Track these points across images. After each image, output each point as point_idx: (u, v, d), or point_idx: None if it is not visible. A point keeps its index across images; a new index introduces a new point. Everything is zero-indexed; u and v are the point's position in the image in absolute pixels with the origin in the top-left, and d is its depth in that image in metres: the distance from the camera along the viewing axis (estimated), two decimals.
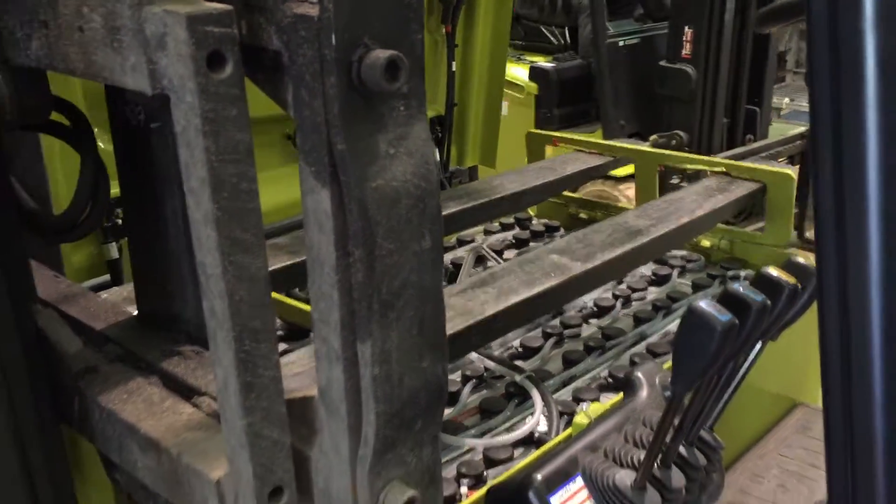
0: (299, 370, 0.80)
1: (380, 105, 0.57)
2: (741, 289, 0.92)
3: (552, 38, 4.76)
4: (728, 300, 0.91)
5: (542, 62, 4.40)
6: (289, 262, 1.38)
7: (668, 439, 1.02)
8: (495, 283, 1.30)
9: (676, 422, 1.02)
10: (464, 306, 1.22)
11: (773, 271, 0.95)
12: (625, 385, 1.23)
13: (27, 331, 0.78)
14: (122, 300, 1.21)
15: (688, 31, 3.23)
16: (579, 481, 1.04)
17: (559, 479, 1.02)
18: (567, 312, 1.68)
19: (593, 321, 1.66)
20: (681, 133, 3.26)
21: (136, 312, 0.92)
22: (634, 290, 1.76)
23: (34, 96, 0.71)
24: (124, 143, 0.84)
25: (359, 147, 0.56)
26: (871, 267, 0.69)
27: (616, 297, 1.73)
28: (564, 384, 1.44)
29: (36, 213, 0.85)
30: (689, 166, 1.94)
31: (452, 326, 1.16)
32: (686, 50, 3.25)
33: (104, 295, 1.27)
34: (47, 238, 0.86)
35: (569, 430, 1.17)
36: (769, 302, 0.93)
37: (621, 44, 3.93)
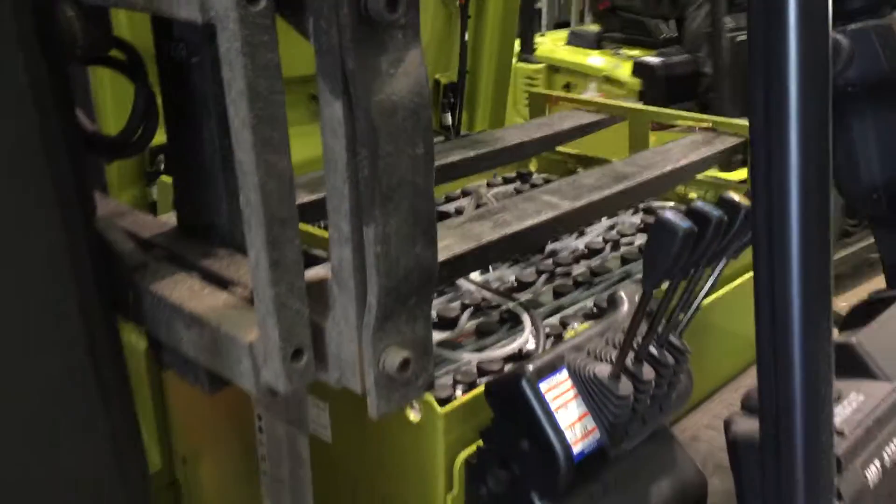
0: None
1: (382, 33, 0.72)
2: (702, 204, 1.07)
3: (655, 31, 4.53)
4: (691, 213, 1.05)
5: (647, 57, 4.14)
6: (307, 200, 1.53)
7: (640, 339, 1.17)
8: (492, 218, 1.45)
9: (648, 324, 1.17)
10: (463, 235, 1.37)
11: (734, 195, 1.10)
12: (609, 303, 1.39)
13: (91, 235, 0.93)
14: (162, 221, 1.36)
15: None
16: (565, 373, 1.19)
17: (547, 370, 1.17)
18: (560, 253, 1.82)
19: (584, 262, 1.80)
20: None
21: (176, 225, 1.08)
22: (623, 236, 1.90)
23: (100, 32, 0.86)
24: (169, 76, 0.99)
25: (365, 67, 0.71)
26: (791, 201, 0.84)
27: (606, 241, 1.88)
28: (553, 312, 1.59)
29: (95, 134, 1.00)
30: (679, 122, 2.08)
31: (452, 251, 1.31)
32: None
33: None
34: (105, 154, 1.02)
35: None
36: (726, 218, 1.07)
37: (739, 39, 3.67)
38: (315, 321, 0.84)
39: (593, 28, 5.30)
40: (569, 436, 1.18)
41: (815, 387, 0.87)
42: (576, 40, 5.07)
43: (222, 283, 0.94)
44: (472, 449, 1.28)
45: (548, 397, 1.19)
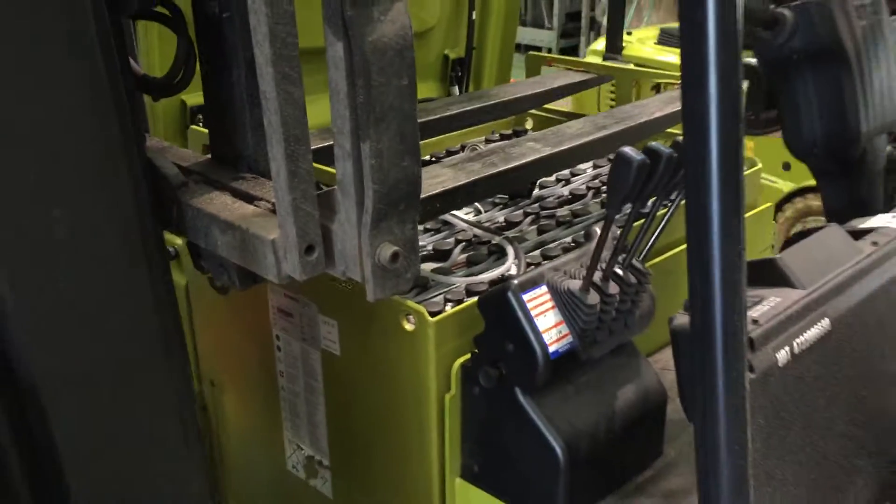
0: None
1: None
2: (655, 144, 1.27)
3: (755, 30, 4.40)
4: (646, 151, 1.26)
5: (745, 58, 4.07)
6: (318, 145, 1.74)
7: (607, 261, 1.38)
8: (481, 160, 1.65)
9: (613, 248, 1.37)
10: (456, 173, 1.58)
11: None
12: (585, 236, 1.59)
13: (143, 160, 1.14)
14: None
15: None
16: (544, 288, 1.40)
17: (529, 285, 1.38)
18: (546, 199, 2.02)
19: (567, 206, 2.00)
20: None
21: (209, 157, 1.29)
22: (605, 185, 2.10)
23: None
24: (204, 29, 1.19)
25: (361, 15, 0.91)
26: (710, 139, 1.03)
27: (589, 188, 2.08)
28: (536, 247, 1.79)
29: (144, 76, 1.21)
30: (661, 81, 2.26)
31: (446, 185, 1.52)
32: None
33: None
34: (153, 93, 1.23)
35: None
36: (675, 156, 1.27)
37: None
38: (324, 224, 1.05)
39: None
40: (546, 338, 1.39)
41: (730, 281, 1.07)
42: (667, 39, 4.75)
43: (249, 198, 1.16)
44: (466, 357, 1.49)
45: (529, 307, 1.39)
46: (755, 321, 1.19)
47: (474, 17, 2.78)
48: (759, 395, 1.15)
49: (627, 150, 1.25)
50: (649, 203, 1.38)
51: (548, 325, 1.40)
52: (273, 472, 1.93)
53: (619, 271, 1.42)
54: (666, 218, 1.42)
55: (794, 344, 1.22)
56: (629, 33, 4.82)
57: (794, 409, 1.23)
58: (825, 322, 1.31)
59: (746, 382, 1.09)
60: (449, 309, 1.52)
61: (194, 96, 2.05)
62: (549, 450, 1.40)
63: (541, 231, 1.85)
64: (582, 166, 2.23)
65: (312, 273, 1.05)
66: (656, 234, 1.44)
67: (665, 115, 1.98)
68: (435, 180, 1.56)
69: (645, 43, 4.78)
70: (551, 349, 1.38)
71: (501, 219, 1.91)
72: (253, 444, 2.01)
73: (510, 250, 1.71)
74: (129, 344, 1.12)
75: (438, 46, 2.82)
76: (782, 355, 1.19)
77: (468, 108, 2.07)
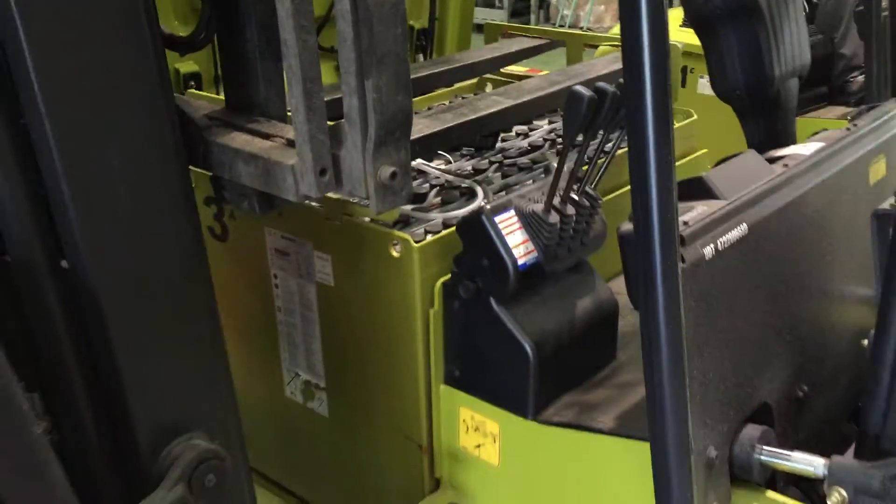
0: None
1: None
2: (603, 84, 1.52)
3: None
4: (594, 89, 1.51)
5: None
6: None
7: (565, 187, 1.62)
8: (452, 111, 1.90)
9: (569, 177, 1.62)
10: (430, 123, 1.82)
11: None
12: (545, 170, 1.84)
13: (172, 106, 1.36)
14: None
15: None
16: (512, 212, 1.64)
17: (500, 209, 1.62)
18: (508, 150, 2.27)
19: (527, 155, 2.25)
20: None
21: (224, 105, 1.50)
22: (560, 136, 2.36)
23: None
24: None
25: None
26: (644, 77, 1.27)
27: (546, 140, 2.33)
28: (501, 189, 2.04)
29: (171, 35, 1.41)
30: (608, 44, 2.52)
31: (423, 132, 1.75)
32: None
33: None
34: (179, 49, 1.44)
35: None
36: (618, 93, 1.52)
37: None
38: (334, 152, 1.28)
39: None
40: (515, 253, 1.63)
41: (663, 190, 1.33)
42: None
43: (265, 136, 1.38)
44: (447, 277, 1.74)
45: (500, 227, 1.64)
46: (686, 223, 1.45)
47: None
48: (690, 282, 1.40)
49: (579, 88, 1.50)
50: (599, 138, 1.64)
51: (516, 242, 1.64)
52: (273, 400, 2.16)
53: (575, 196, 1.68)
54: (613, 149, 1.68)
55: (718, 242, 1.48)
56: None
57: (719, 295, 1.50)
58: (743, 227, 1.57)
59: (679, 271, 1.35)
60: (429, 238, 1.76)
61: (187, 64, 2.24)
62: (520, 350, 1.66)
63: (504, 176, 2.10)
64: (538, 122, 2.48)
65: (325, 192, 1.28)
66: (605, 164, 1.69)
67: (610, 71, 2.23)
68: (413, 128, 1.79)
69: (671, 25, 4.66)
70: (520, 262, 1.63)
71: (469, 167, 2.15)
72: (253, 377, 2.22)
73: (479, 190, 1.96)
74: (169, 259, 1.34)
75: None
76: (708, 251, 1.45)
77: (435, 71, 2.30)
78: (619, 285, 2.09)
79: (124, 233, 1.26)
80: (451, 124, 1.80)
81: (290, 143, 1.32)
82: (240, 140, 1.37)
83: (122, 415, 1.35)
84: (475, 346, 1.74)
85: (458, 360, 1.78)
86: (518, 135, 2.39)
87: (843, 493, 1.42)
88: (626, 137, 1.41)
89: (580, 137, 1.58)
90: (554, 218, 1.62)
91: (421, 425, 1.84)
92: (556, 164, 1.81)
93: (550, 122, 2.49)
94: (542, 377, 1.67)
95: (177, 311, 1.36)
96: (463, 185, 2.01)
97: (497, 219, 1.62)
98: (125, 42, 1.19)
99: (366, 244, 1.77)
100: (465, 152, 2.28)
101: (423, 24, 3.03)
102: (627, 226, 1.41)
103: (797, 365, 1.71)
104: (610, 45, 2.48)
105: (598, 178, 1.71)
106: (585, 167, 1.67)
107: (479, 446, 1.82)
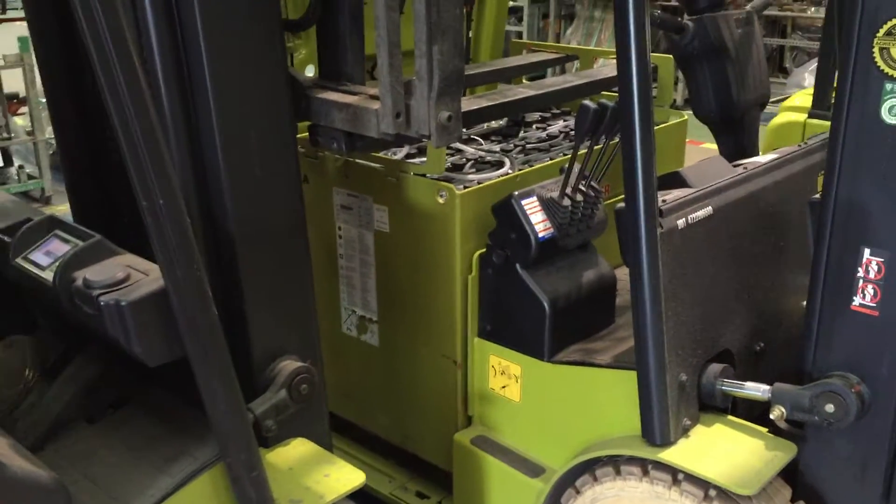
0: None
1: None
2: (605, 101, 2.00)
3: None
4: (598, 104, 1.98)
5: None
6: None
7: (574, 182, 2.09)
8: (487, 97, 2.37)
9: (579, 172, 2.09)
10: (468, 104, 2.29)
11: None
12: (560, 170, 2.30)
13: (286, 72, 1.83)
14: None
15: None
16: (534, 197, 2.12)
17: (525, 195, 2.11)
18: (529, 139, 2.74)
19: (545, 142, 2.72)
20: None
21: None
22: (572, 130, 2.83)
23: None
24: None
25: None
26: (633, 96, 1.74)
27: (560, 132, 2.80)
28: (524, 163, 2.51)
29: (286, 18, 1.90)
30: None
31: (471, 107, 2.22)
32: None
33: None
34: (292, 29, 1.92)
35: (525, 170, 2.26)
36: (617, 107, 1.98)
37: None
38: (406, 101, 1.74)
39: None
40: (536, 228, 2.10)
41: (647, 177, 1.77)
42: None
43: (352, 93, 1.85)
44: (482, 250, 2.21)
45: (525, 208, 2.12)
46: (664, 201, 1.92)
47: (471, 34, 3.44)
48: (666, 245, 1.85)
49: (587, 102, 1.99)
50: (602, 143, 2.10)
51: (537, 220, 2.13)
52: (332, 335, 2.60)
53: (583, 188, 2.15)
54: (614, 151, 2.14)
55: (688, 218, 1.95)
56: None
57: (689, 258, 1.95)
58: (709, 209, 2.03)
59: (658, 236, 1.83)
60: (468, 189, 2.22)
61: None
62: (539, 305, 2.13)
63: (526, 154, 2.57)
64: (553, 121, 2.96)
65: (398, 130, 1.73)
66: (608, 162, 2.16)
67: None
68: (464, 106, 2.26)
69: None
70: (540, 235, 2.11)
71: (497, 149, 2.63)
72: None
73: (507, 160, 2.43)
74: (284, 209, 1.79)
75: None
76: (681, 223, 1.93)
77: (475, 72, 2.78)
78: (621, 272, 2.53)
79: (253, 186, 1.71)
80: (485, 105, 2.28)
81: (373, 98, 1.79)
82: (334, 96, 1.84)
83: (244, 337, 1.79)
84: (503, 304, 2.21)
85: (489, 317, 2.26)
86: (537, 128, 2.87)
87: (783, 409, 1.85)
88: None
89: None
90: (566, 202, 2.11)
91: (456, 344, 2.28)
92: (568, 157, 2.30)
93: (565, 120, 2.97)
94: (556, 328, 2.14)
95: (285, 256, 1.83)
96: (493, 160, 2.48)
97: (523, 202, 2.11)
98: (263, 26, 1.67)
99: (417, 194, 2.23)
100: (493, 139, 2.76)
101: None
102: (622, 205, 1.87)
103: (755, 323, 2.15)
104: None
105: (602, 174, 2.17)
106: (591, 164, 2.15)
107: (504, 387, 2.27)
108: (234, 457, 1.59)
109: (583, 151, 2.09)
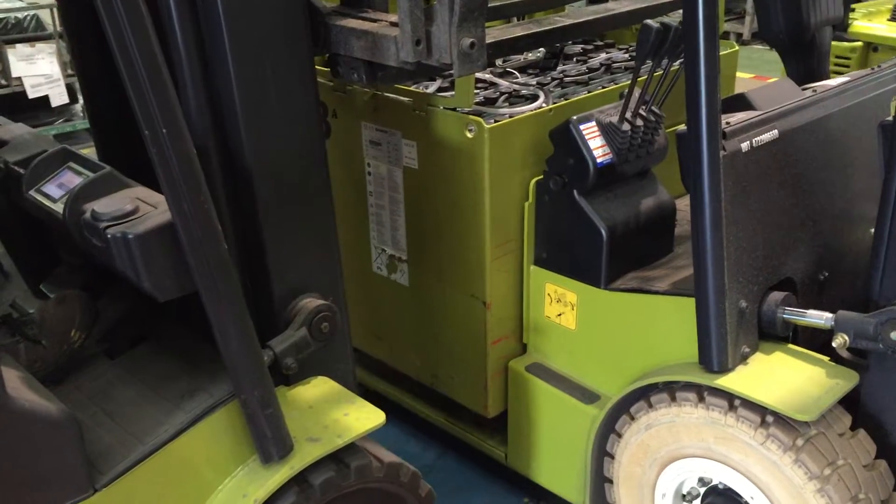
0: None
1: None
2: (668, 19, 1.88)
3: None
4: (661, 23, 1.87)
5: None
6: None
7: (634, 106, 1.99)
8: (521, 26, 2.26)
9: (639, 96, 1.98)
10: (502, 33, 2.19)
11: None
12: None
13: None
14: None
15: None
16: (593, 122, 2.04)
17: (584, 120, 2.03)
18: (568, 73, 2.62)
19: (585, 75, 2.60)
20: None
21: None
22: (614, 63, 2.70)
23: None
24: None
25: None
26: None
27: (602, 65, 2.68)
28: (560, 97, 2.40)
29: None
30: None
31: (495, 38, 2.12)
32: None
33: None
34: None
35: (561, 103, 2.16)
36: (680, 27, 1.86)
37: None
38: (427, 28, 1.65)
39: None
40: (595, 153, 2.03)
41: (710, 96, 1.69)
42: None
43: (373, 21, 1.77)
44: (539, 177, 2.15)
45: (584, 133, 2.04)
46: (728, 122, 1.83)
47: None
48: (728, 168, 1.78)
49: (649, 21, 1.88)
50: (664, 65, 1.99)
51: (596, 146, 2.05)
52: (363, 275, 2.56)
53: (643, 112, 2.05)
54: (676, 74, 2.02)
55: (753, 141, 1.86)
56: (852, 10, 4.49)
57: (753, 182, 1.86)
58: (774, 132, 1.93)
59: (720, 158, 1.75)
60: (497, 122, 2.14)
61: None
62: (596, 232, 2.08)
63: (564, 87, 2.46)
64: (595, 53, 2.83)
65: (419, 58, 1.65)
66: (669, 87, 2.05)
67: (657, 4, 2.57)
68: (487, 36, 2.16)
69: (876, 19, 4.41)
70: (598, 161, 2.04)
71: (534, 82, 2.52)
72: (347, 256, 2.61)
73: (541, 94, 2.32)
74: (301, 146, 1.72)
75: None
76: (745, 146, 1.84)
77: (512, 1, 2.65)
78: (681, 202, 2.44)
79: (270, 120, 1.66)
80: (518, 35, 2.17)
81: (393, 25, 1.71)
82: (353, 22, 1.76)
83: (264, 274, 1.76)
84: (560, 231, 2.17)
85: (545, 245, 2.22)
86: (577, 61, 2.75)
87: (846, 336, 1.79)
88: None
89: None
90: (626, 127, 2.03)
91: (485, 285, 2.22)
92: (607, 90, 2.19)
93: (607, 52, 2.83)
94: (613, 255, 2.09)
95: (305, 191, 1.77)
96: (527, 93, 2.38)
97: (581, 127, 2.04)
98: None
99: (446, 129, 2.15)
100: (530, 72, 2.65)
101: None
102: (683, 128, 1.79)
103: (819, 252, 2.06)
104: None
105: (664, 99, 2.07)
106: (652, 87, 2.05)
107: (560, 315, 2.24)
108: (247, 394, 1.57)
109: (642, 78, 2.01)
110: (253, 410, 1.59)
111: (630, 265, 2.15)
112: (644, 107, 2.05)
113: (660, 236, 2.23)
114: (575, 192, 2.07)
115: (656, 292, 2.03)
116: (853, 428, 1.85)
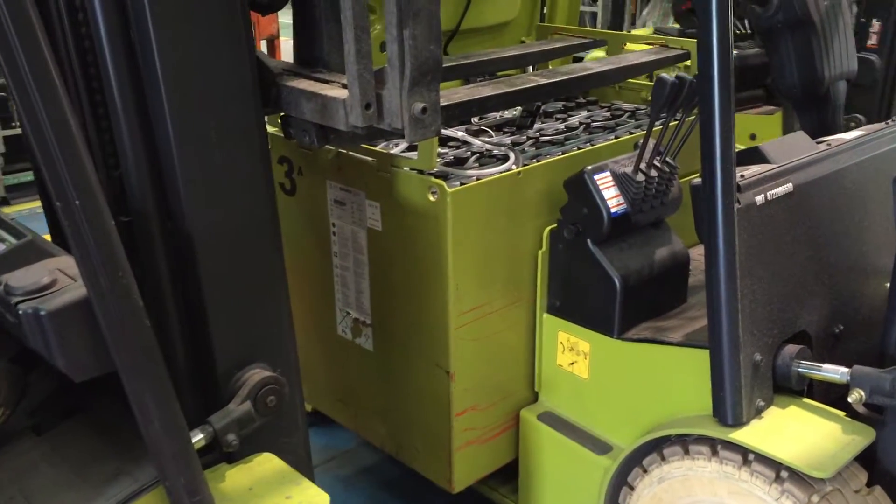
0: None
1: None
2: (683, 73, 1.83)
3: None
4: (676, 77, 1.84)
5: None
6: None
7: (649, 157, 1.94)
8: (491, 86, 2.18)
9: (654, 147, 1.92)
10: (470, 92, 2.11)
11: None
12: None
13: (253, 56, 1.67)
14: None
15: (875, 24, 3.38)
16: (608, 172, 2.02)
17: (598, 170, 2.01)
18: (545, 131, 2.54)
19: (561, 135, 2.52)
20: (860, 116, 3.13)
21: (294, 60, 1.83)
22: (594, 122, 2.62)
23: None
24: None
25: None
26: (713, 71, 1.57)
27: (581, 124, 2.59)
28: (533, 157, 2.31)
29: None
30: (630, 45, 2.77)
31: (461, 98, 2.04)
32: (872, 41, 3.42)
33: None
34: (261, 11, 1.77)
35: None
36: (694, 81, 1.81)
37: None
38: (378, 91, 1.57)
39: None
40: (609, 203, 2.00)
41: (725, 151, 1.67)
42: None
43: (325, 82, 1.69)
44: (553, 225, 2.13)
45: (598, 183, 2.02)
46: (742, 176, 1.80)
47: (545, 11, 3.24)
48: (743, 221, 1.75)
49: (664, 75, 1.84)
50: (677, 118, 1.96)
51: (610, 196, 2.02)
52: (327, 336, 2.46)
53: (657, 164, 2.03)
54: (691, 126, 1.96)
55: (767, 194, 1.83)
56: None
57: (767, 235, 1.82)
58: (789, 185, 1.90)
59: (735, 211, 1.72)
60: (461, 186, 2.04)
61: None
62: (610, 281, 2.04)
63: (538, 148, 2.37)
64: (576, 111, 2.75)
65: (369, 122, 1.57)
66: (683, 139, 2.01)
67: (642, 62, 2.49)
68: (454, 95, 2.08)
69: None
70: (612, 211, 2.01)
71: (508, 141, 2.43)
72: (311, 318, 2.53)
73: (512, 155, 2.23)
74: (248, 212, 1.64)
75: (517, 36, 3.26)
76: (759, 199, 1.81)
77: (490, 59, 2.57)
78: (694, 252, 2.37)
79: (215, 185, 1.57)
80: (487, 95, 2.09)
81: (344, 87, 1.62)
82: (304, 84, 1.67)
83: (206, 345, 1.66)
84: (573, 280, 2.14)
85: (558, 293, 2.19)
86: (556, 119, 2.66)
87: (861, 392, 1.75)
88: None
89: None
90: (640, 178, 2.00)
91: (448, 354, 2.11)
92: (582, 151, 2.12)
93: (588, 111, 2.75)
94: (626, 304, 2.05)
95: (252, 259, 1.68)
96: (499, 153, 2.29)
97: (596, 177, 2.01)
98: (221, 7, 1.52)
99: (409, 191, 2.06)
100: (506, 130, 2.56)
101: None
102: (697, 180, 1.74)
103: (834, 306, 2.01)
104: (641, 44, 2.75)
105: (678, 150, 2.02)
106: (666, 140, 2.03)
107: (572, 363, 2.20)
108: (172, 480, 1.46)
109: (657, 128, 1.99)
110: (179, 498, 1.47)
111: (643, 315, 2.12)
112: (658, 158, 2.04)
113: (673, 286, 2.20)
114: (589, 241, 2.06)
115: (670, 343, 2.00)
116: (869, 485, 1.79)
